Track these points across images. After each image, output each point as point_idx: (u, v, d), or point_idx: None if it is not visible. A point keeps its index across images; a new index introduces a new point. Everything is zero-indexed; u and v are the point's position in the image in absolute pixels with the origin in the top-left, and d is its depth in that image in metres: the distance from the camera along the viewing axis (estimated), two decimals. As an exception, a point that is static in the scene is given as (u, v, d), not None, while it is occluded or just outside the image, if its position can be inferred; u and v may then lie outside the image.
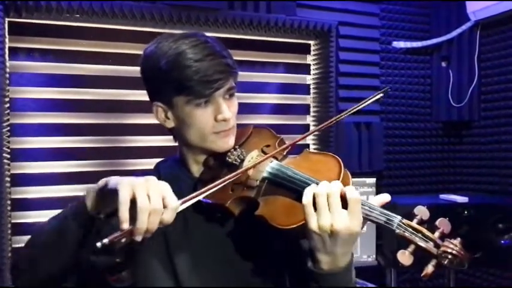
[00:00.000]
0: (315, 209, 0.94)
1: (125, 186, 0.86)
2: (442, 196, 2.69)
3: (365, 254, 2.70)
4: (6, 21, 2.34)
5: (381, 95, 1.19)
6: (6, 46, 2.34)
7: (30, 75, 2.48)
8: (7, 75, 2.34)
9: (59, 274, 1.02)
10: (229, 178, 1.03)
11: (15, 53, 2.43)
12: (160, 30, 2.56)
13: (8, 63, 2.36)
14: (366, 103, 1.18)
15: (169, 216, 0.87)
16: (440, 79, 3.25)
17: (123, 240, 0.84)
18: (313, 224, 0.93)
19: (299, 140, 1.16)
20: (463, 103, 3.17)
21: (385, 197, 1.01)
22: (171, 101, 1.12)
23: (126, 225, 0.83)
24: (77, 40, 2.55)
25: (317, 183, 0.98)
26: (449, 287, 2.83)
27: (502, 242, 2.38)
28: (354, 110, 1.16)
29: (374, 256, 2.70)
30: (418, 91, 3.30)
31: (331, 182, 0.97)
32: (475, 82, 3.15)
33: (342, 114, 1.16)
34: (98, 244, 0.82)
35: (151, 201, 0.85)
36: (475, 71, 3.16)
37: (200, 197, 0.98)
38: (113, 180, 0.92)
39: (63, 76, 2.54)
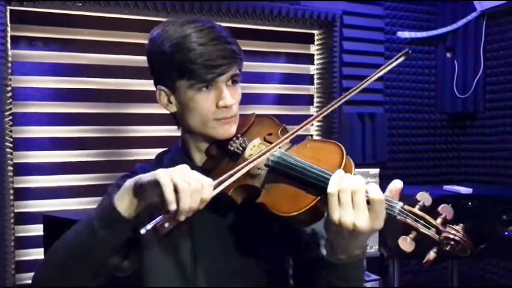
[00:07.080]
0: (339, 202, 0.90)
1: (163, 174, 0.92)
2: (446, 187, 2.67)
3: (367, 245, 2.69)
4: (8, 10, 2.33)
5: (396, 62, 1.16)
6: (8, 35, 2.33)
7: (32, 64, 2.47)
8: (9, 64, 2.33)
9: (89, 281, 1.06)
10: (243, 167, 1.01)
11: (17, 41, 2.42)
12: (163, 19, 2.54)
13: (9, 52, 2.35)
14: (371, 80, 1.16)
15: (208, 193, 0.92)
16: (445, 70, 3.23)
17: (166, 224, 0.90)
18: (335, 217, 0.90)
19: (300, 128, 1.13)
20: (468, 94, 3.15)
21: (397, 184, 0.95)
22: (174, 85, 1.11)
23: (174, 206, 0.89)
24: (79, 29, 2.54)
25: (327, 174, 0.95)
26: (452, 279, 2.82)
27: (506, 233, 2.38)
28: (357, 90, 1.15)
29: (377, 247, 2.69)
30: (422, 82, 3.27)
31: (347, 172, 0.94)
32: (480, 73, 3.13)
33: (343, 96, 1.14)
34: (142, 231, 0.88)
35: (190, 183, 0.90)
36: (480, 62, 3.13)
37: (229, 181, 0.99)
38: (145, 176, 0.96)
39: (66, 65, 2.53)
